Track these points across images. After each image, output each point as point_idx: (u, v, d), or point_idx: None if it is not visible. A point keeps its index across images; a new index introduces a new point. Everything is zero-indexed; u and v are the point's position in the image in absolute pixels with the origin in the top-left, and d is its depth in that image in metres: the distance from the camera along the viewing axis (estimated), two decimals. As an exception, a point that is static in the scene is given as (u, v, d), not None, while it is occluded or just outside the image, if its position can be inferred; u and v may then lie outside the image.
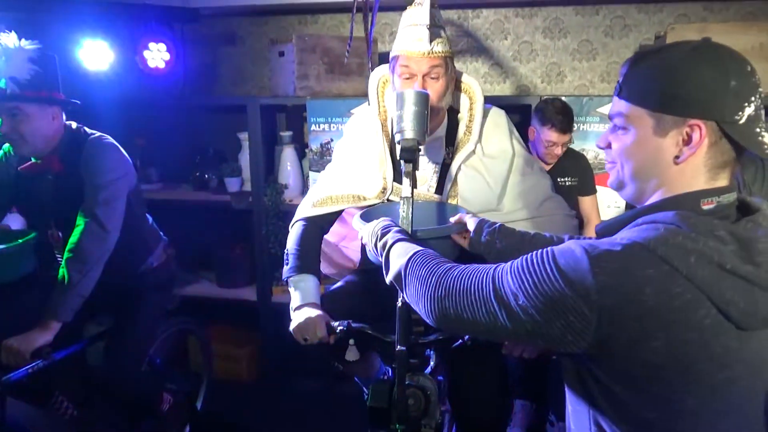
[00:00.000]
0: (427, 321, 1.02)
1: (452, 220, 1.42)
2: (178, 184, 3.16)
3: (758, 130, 0.86)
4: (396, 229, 1.22)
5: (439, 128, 1.67)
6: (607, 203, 2.59)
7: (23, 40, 1.72)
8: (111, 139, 1.95)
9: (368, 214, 1.47)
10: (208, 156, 3.05)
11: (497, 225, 1.34)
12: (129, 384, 2.01)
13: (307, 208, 1.73)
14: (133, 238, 2.00)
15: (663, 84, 0.88)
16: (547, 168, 2.35)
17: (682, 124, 0.87)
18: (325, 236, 1.80)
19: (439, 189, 1.67)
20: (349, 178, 1.71)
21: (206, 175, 2.99)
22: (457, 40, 2.95)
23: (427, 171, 1.69)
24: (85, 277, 1.73)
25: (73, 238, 1.77)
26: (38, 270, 2.06)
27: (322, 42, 2.66)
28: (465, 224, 1.38)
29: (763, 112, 0.88)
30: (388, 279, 1.14)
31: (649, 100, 0.90)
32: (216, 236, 3.17)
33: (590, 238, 1.06)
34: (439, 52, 1.50)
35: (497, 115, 1.72)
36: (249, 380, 3.11)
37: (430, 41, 1.48)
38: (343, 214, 1.84)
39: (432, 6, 1.50)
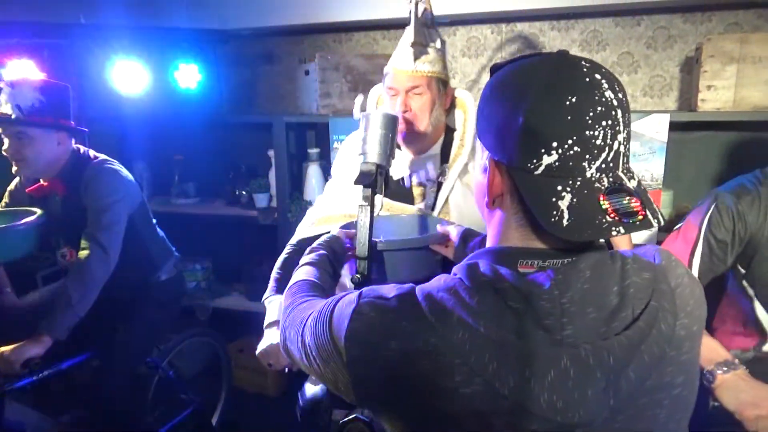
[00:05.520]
0: None
1: (439, 228, 1.34)
2: (213, 198, 3.26)
3: (559, 189, 0.64)
4: (319, 252, 1.15)
5: (434, 146, 1.62)
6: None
7: (33, 70, 1.84)
8: (113, 163, 2.03)
9: (349, 227, 1.43)
10: (240, 172, 3.13)
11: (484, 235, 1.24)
12: (114, 393, 2.01)
13: (305, 228, 1.72)
14: (138, 255, 2.07)
15: (478, 106, 0.75)
16: None
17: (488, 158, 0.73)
18: None
19: (434, 208, 1.60)
20: (343, 198, 1.68)
21: (237, 191, 3.06)
22: (491, 55, 2.86)
23: (421, 189, 1.63)
24: (83, 298, 1.80)
25: (77, 259, 1.85)
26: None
27: (345, 60, 2.66)
28: (446, 235, 1.29)
29: (591, 166, 0.64)
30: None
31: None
32: (246, 250, 3.23)
33: None
34: (423, 72, 1.48)
35: None
36: (275, 394, 3.13)
37: (414, 60, 1.46)
38: None
39: (423, 25, 1.48)
